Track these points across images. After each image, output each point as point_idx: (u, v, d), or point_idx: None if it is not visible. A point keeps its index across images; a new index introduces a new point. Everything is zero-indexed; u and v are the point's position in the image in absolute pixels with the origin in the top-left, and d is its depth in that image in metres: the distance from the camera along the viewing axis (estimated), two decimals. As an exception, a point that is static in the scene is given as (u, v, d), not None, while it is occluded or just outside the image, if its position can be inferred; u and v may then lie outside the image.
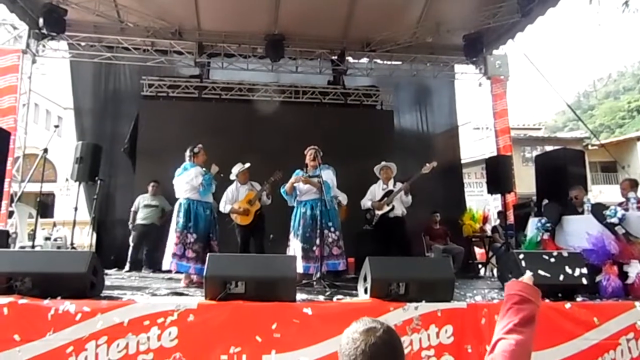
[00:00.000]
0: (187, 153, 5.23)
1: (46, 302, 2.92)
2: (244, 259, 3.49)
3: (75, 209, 6.20)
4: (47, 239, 7.81)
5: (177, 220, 5.00)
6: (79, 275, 3.09)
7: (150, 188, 7.29)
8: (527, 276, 1.56)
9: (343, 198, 6.18)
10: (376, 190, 6.17)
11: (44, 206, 19.87)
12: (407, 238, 6.35)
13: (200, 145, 5.28)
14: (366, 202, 6.16)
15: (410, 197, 5.99)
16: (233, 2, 7.62)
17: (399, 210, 6.01)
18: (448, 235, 7.68)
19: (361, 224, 7.04)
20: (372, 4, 7.67)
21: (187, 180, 5.02)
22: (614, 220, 4.17)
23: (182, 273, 4.97)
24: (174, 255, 4.85)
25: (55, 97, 19.74)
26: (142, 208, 7.26)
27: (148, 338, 2.93)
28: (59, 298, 2.97)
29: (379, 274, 3.31)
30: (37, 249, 5.53)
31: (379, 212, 6.00)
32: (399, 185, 6.01)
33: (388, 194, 6.01)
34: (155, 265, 6.94)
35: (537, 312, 1.44)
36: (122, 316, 2.94)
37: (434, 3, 7.79)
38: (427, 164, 5.92)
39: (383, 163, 6.21)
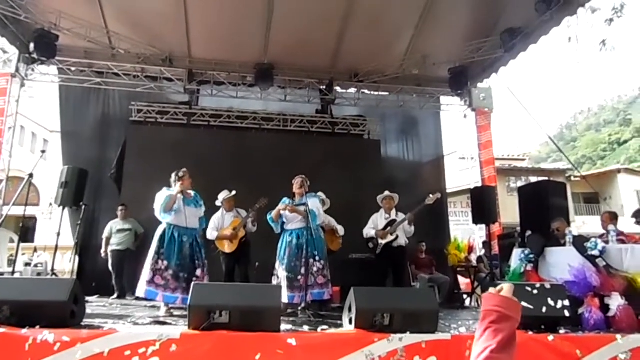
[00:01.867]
0: (172, 177, 5.04)
1: (24, 331, 2.86)
2: (228, 288, 3.46)
3: (58, 234, 6.11)
4: (28, 264, 7.65)
5: (153, 245, 4.84)
6: (59, 304, 3.04)
7: (119, 212, 7.23)
8: (507, 287, 1.32)
9: (340, 229, 6.20)
10: (378, 220, 6.21)
11: (25, 230, 19.57)
12: (406, 268, 6.39)
13: (184, 170, 5.04)
14: (369, 231, 6.18)
15: (413, 227, 6.05)
16: (224, 31, 7.76)
17: (402, 239, 6.07)
18: (434, 264, 7.69)
19: (348, 252, 7.07)
20: (360, 36, 7.87)
21: (156, 204, 4.86)
22: (595, 252, 4.24)
23: (151, 300, 4.77)
24: (146, 281, 4.63)
25: (41, 120, 19.63)
26: (116, 233, 7.18)
27: (128, 369, 2.88)
28: (37, 327, 2.91)
29: (364, 305, 3.31)
30: (17, 275, 5.39)
31: (382, 242, 6.02)
32: (401, 215, 6.07)
33: (391, 223, 6.06)
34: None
35: (516, 327, 1.26)
36: (102, 346, 2.88)
37: (421, 36, 8.01)
38: (431, 195, 6.02)
39: (386, 193, 6.29)
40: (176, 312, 4.68)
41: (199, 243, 5.00)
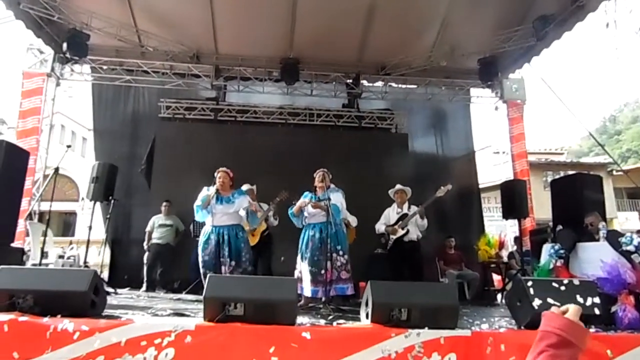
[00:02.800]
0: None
1: (45, 319, 2.94)
2: (243, 280, 3.46)
3: (90, 227, 6.29)
4: (61, 257, 7.94)
5: None
6: (79, 294, 3.10)
7: (163, 208, 7.40)
8: (573, 309, 1.14)
9: (352, 220, 6.13)
10: (390, 214, 6.11)
11: (66, 225, 20.37)
12: (421, 263, 6.24)
13: (221, 169, 5.09)
14: (380, 227, 6.09)
15: (425, 220, 5.92)
16: (250, 27, 7.81)
17: (414, 234, 5.94)
18: (463, 260, 7.53)
19: (373, 247, 6.99)
20: (387, 28, 7.75)
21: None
22: (630, 247, 4.02)
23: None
24: None
25: (81, 119, 20.37)
26: (157, 228, 7.36)
27: (144, 359, 2.91)
28: (59, 316, 2.98)
29: (381, 299, 3.24)
30: (44, 267, 5.60)
31: (393, 237, 5.92)
32: (413, 208, 5.94)
33: (402, 217, 5.95)
34: (167, 285, 7.02)
35: (578, 357, 1.10)
36: (119, 336, 2.92)
37: (449, 27, 7.82)
38: (442, 187, 5.86)
39: (398, 186, 6.16)
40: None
41: (227, 240, 4.87)
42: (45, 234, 5.63)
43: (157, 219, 7.41)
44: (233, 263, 4.81)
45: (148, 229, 7.39)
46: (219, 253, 4.84)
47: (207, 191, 4.95)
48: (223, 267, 4.82)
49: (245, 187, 5.92)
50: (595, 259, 4.26)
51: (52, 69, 7.87)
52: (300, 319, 3.46)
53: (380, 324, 3.20)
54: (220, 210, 4.91)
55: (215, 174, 5.03)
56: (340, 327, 3.31)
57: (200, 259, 4.86)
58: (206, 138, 8.14)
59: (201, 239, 4.91)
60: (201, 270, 4.83)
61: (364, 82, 8.89)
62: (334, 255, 5.00)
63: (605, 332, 3.44)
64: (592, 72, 73.90)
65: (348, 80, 8.76)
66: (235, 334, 3.04)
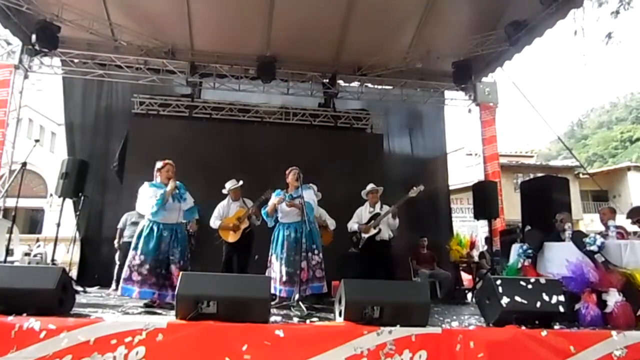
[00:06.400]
0: (155, 168, 4.86)
1: (10, 318, 2.87)
2: (216, 278, 3.43)
3: (58, 225, 6.13)
4: (27, 254, 7.71)
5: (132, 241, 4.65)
6: (47, 292, 3.04)
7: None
8: None
9: (331, 223, 6.16)
10: (363, 213, 6.16)
11: (33, 222, 19.78)
12: (392, 261, 6.33)
13: (166, 161, 4.83)
14: (352, 225, 6.13)
15: (397, 220, 5.99)
16: (226, 23, 7.74)
17: (386, 233, 6.00)
18: (435, 260, 7.64)
19: (347, 246, 7.01)
20: (364, 29, 7.79)
21: (144, 200, 4.64)
22: (594, 248, 4.17)
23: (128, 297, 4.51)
24: (122, 279, 4.44)
25: (50, 113, 19.80)
26: (129, 226, 7.17)
27: (114, 358, 2.87)
28: (24, 315, 2.91)
29: (354, 297, 3.27)
30: (11, 264, 5.43)
31: (365, 235, 5.97)
32: (385, 208, 6.00)
33: (375, 216, 6.00)
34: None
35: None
36: (88, 335, 2.88)
37: (425, 30, 7.92)
38: (414, 187, 5.93)
39: (371, 186, 6.21)
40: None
41: (178, 238, 4.69)
42: (10, 231, 5.46)
43: (130, 216, 7.24)
44: (181, 265, 4.62)
45: (120, 225, 7.21)
46: (169, 252, 4.62)
47: (155, 187, 4.68)
48: (172, 267, 4.57)
49: (230, 183, 5.88)
50: (560, 258, 4.40)
51: (20, 61, 7.59)
52: (273, 317, 3.47)
53: (353, 322, 3.24)
54: (171, 208, 4.68)
55: (158, 166, 4.81)
56: (313, 325, 3.34)
57: (149, 256, 4.48)
58: (180, 135, 8.00)
59: (146, 234, 4.56)
60: (149, 268, 4.46)
61: (340, 82, 8.92)
62: (309, 254, 5.02)
63: (569, 329, 3.57)
64: (560, 78, 76.10)
65: (324, 80, 8.77)
66: (208, 332, 3.03)
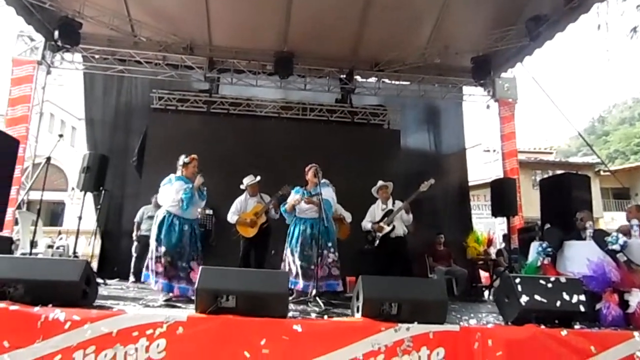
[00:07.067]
0: (179, 162, 4.84)
1: (36, 309, 2.93)
2: (236, 272, 3.46)
3: (80, 218, 6.25)
4: (50, 247, 7.87)
5: (153, 231, 4.66)
6: (71, 284, 3.10)
7: (153, 200, 7.34)
8: None
9: (347, 216, 6.14)
10: (375, 211, 6.13)
11: (54, 215, 20.17)
12: (409, 258, 6.29)
13: (192, 156, 4.85)
14: (366, 224, 6.10)
15: (410, 215, 5.94)
16: (244, 19, 7.78)
17: (400, 229, 5.96)
18: (451, 257, 7.61)
19: (363, 243, 7.01)
20: (382, 25, 7.76)
21: (170, 193, 4.66)
22: (616, 247, 4.10)
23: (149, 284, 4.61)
24: (145, 267, 4.56)
25: (71, 108, 20.14)
26: (146, 219, 7.30)
27: (136, 349, 2.92)
28: (50, 306, 2.98)
29: (371, 294, 3.27)
30: (36, 256, 5.57)
31: (379, 234, 5.94)
32: (398, 204, 5.97)
33: (388, 213, 5.97)
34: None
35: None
36: (110, 326, 2.93)
37: (443, 25, 7.86)
38: (425, 182, 5.88)
39: (380, 182, 6.17)
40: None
41: (196, 234, 4.76)
42: (35, 224, 5.58)
43: (146, 210, 7.35)
44: (200, 259, 4.69)
45: (137, 219, 7.34)
46: (191, 247, 4.69)
47: (182, 182, 4.69)
48: (193, 262, 4.63)
49: (248, 179, 5.92)
50: (581, 257, 4.33)
51: (43, 57, 7.77)
52: (291, 312, 3.49)
53: (370, 318, 3.24)
54: (193, 203, 4.73)
55: (185, 160, 4.79)
56: (330, 320, 3.35)
57: (171, 248, 4.54)
58: (198, 130, 8.07)
59: (167, 227, 4.59)
60: (171, 260, 4.53)
61: (358, 78, 8.91)
62: (324, 252, 5.03)
63: (590, 328, 3.52)
64: (582, 73, 74.58)
65: (342, 76, 8.78)
66: (226, 326, 3.06)
